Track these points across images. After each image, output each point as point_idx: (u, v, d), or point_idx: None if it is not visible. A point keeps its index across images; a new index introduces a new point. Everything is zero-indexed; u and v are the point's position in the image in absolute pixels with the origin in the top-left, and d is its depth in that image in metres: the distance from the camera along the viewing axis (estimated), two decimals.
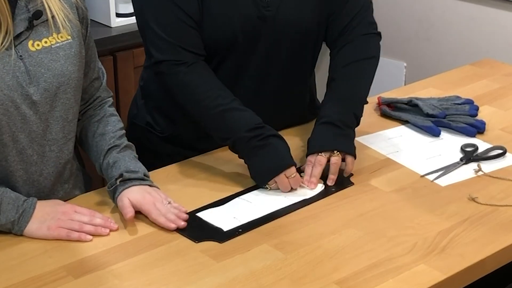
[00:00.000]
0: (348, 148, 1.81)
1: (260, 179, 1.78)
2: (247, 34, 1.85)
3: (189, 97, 1.82)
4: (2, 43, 1.54)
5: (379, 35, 1.98)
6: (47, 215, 1.59)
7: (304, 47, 1.94)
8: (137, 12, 1.87)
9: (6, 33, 1.55)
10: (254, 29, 1.85)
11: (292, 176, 1.76)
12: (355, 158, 1.81)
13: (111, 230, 1.61)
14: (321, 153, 1.80)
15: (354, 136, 1.86)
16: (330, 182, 1.78)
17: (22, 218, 1.58)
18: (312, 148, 1.82)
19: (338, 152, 1.80)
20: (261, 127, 1.79)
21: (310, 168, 1.80)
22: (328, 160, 1.80)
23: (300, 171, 1.82)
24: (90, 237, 1.58)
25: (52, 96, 1.62)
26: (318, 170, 1.79)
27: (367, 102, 1.92)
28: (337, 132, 1.82)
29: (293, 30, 1.89)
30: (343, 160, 1.81)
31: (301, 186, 1.78)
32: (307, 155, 1.83)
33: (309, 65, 2.01)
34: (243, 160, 1.81)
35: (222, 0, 1.82)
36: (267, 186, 1.77)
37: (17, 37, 1.58)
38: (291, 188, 1.76)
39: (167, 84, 1.86)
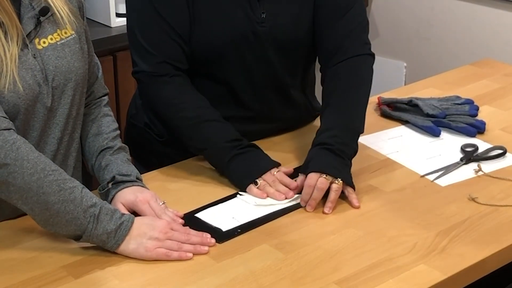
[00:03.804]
0: (349, 180, 1.73)
1: (246, 178, 1.76)
2: (237, 47, 1.83)
3: (167, 107, 1.83)
4: (17, 44, 1.54)
5: (373, 56, 1.91)
6: (144, 234, 1.53)
7: (297, 59, 1.93)
8: (127, 17, 1.87)
9: (17, 33, 1.55)
10: (245, 43, 1.83)
11: (276, 172, 1.78)
12: (354, 189, 1.74)
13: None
14: (323, 175, 1.70)
15: (351, 167, 1.77)
16: (327, 210, 1.69)
17: (120, 231, 1.52)
18: (314, 167, 1.72)
19: (341, 181, 1.71)
20: (240, 139, 1.80)
21: (310, 188, 1.71)
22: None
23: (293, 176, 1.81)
24: (191, 255, 1.53)
25: (59, 93, 1.62)
26: (319, 195, 1.69)
27: (363, 132, 1.84)
28: (339, 160, 1.74)
29: (286, 45, 1.87)
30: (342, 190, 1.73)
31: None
32: (306, 173, 1.73)
33: (303, 73, 1.99)
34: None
35: (214, 12, 1.81)
36: (257, 181, 1.75)
37: (27, 36, 1.57)
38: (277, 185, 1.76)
39: (145, 92, 1.88)
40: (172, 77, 1.81)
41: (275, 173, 1.78)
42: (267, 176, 1.77)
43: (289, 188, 1.75)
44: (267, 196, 1.74)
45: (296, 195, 1.74)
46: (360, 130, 1.84)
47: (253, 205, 1.72)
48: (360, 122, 1.85)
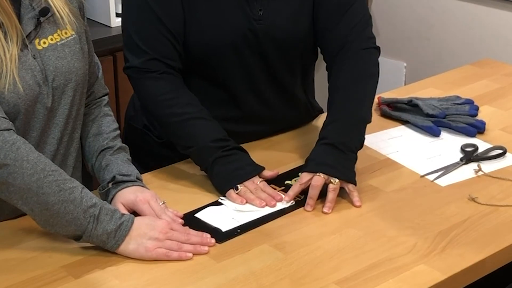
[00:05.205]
0: (349, 176, 1.73)
1: (227, 182, 1.74)
2: (235, 46, 1.83)
3: (155, 103, 1.82)
4: (17, 45, 1.54)
5: (378, 49, 1.91)
6: (144, 234, 1.53)
7: (296, 57, 1.92)
8: (122, 14, 1.87)
9: (17, 34, 1.55)
10: (243, 41, 1.83)
11: (259, 182, 1.76)
12: (355, 185, 1.74)
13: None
14: (318, 173, 1.71)
15: (355, 161, 1.77)
16: (326, 210, 1.69)
17: (120, 231, 1.52)
18: (311, 166, 1.73)
19: (337, 180, 1.71)
20: (226, 139, 1.79)
21: (297, 187, 1.72)
22: (325, 183, 1.71)
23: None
24: (191, 254, 1.53)
25: (60, 93, 1.63)
26: (315, 193, 1.70)
27: (370, 121, 1.85)
28: (339, 155, 1.73)
29: (285, 43, 1.87)
30: (342, 186, 1.73)
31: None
32: (302, 171, 1.75)
33: (303, 72, 1.98)
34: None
35: (210, 11, 1.80)
36: (237, 186, 1.73)
37: (27, 37, 1.57)
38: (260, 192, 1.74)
39: (135, 87, 1.87)
40: (162, 74, 1.81)
41: (258, 182, 1.76)
42: (249, 183, 1.75)
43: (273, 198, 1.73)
44: (247, 202, 1.72)
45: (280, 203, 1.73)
46: (367, 119, 1.83)
47: (232, 210, 1.70)
48: (367, 111, 1.84)
